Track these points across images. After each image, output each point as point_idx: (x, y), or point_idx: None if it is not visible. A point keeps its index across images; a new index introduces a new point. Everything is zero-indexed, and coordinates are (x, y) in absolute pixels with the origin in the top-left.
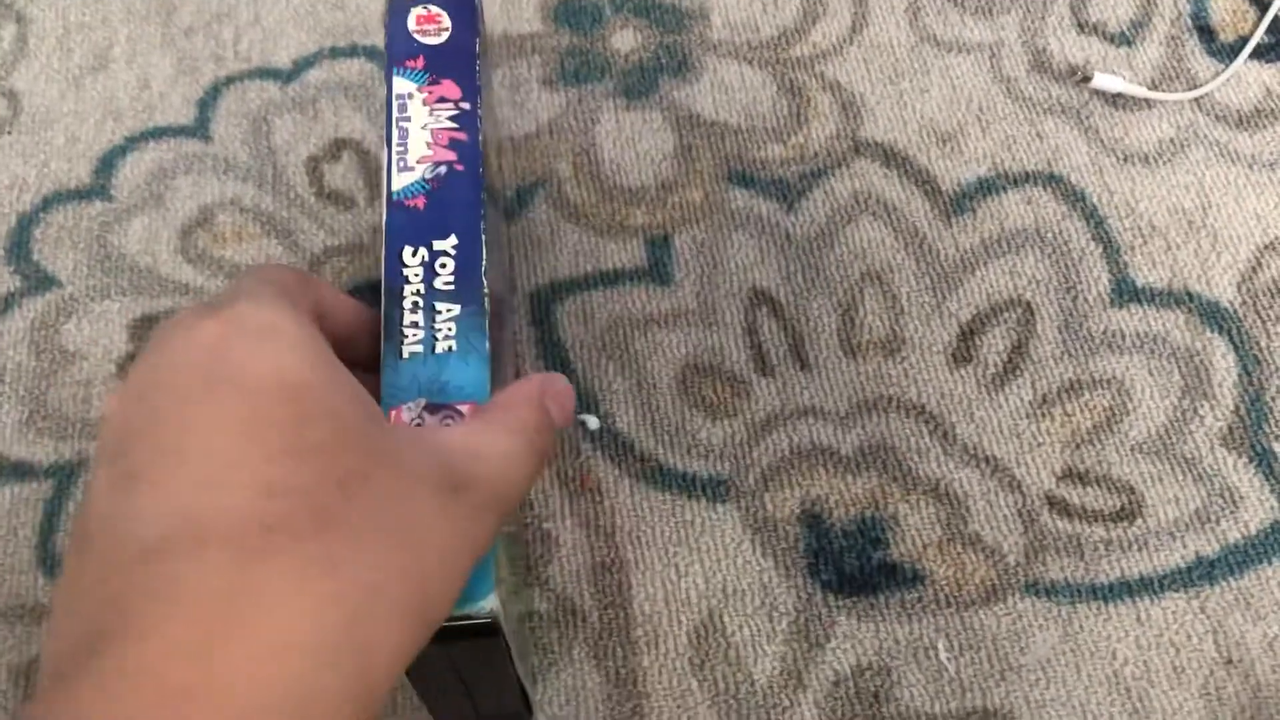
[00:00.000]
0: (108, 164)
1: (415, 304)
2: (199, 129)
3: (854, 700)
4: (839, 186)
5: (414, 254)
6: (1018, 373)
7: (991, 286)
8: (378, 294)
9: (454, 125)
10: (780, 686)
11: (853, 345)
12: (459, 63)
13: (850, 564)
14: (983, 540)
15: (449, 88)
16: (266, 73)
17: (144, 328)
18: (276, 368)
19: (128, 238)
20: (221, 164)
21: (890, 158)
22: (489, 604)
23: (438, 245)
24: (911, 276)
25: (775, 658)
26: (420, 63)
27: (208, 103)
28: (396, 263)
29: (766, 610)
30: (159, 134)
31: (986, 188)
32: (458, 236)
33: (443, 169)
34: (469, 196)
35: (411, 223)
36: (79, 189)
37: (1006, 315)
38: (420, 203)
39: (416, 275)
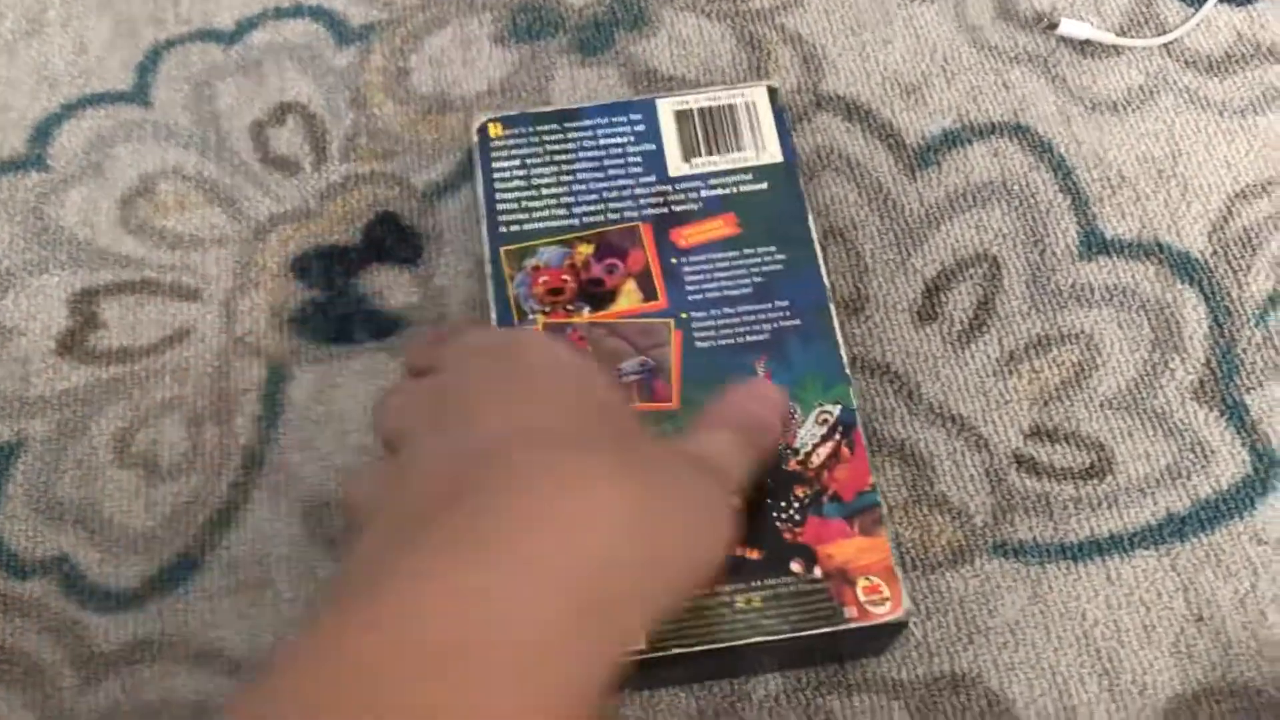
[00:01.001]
0: (43, 133)
1: None
2: (138, 94)
3: (820, 667)
4: (800, 142)
5: None
6: (984, 329)
7: (957, 241)
8: (325, 261)
9: None
10: None
11: None
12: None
13: None
14: (949, 501)
15: None
16: (208, 35)
17: (84, 302)
18: (555, 354)
19: (65, 209)
20: (162, 130)
21: (853, 111)
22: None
23: None
24: (875, 233)
25: None
26: None
27: (147, 67)
28: None
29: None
30: (97, 100)
31: (951, 140)
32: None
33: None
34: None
35: None
36: (14, 159)
37: (972, 271)
38: None
39: None
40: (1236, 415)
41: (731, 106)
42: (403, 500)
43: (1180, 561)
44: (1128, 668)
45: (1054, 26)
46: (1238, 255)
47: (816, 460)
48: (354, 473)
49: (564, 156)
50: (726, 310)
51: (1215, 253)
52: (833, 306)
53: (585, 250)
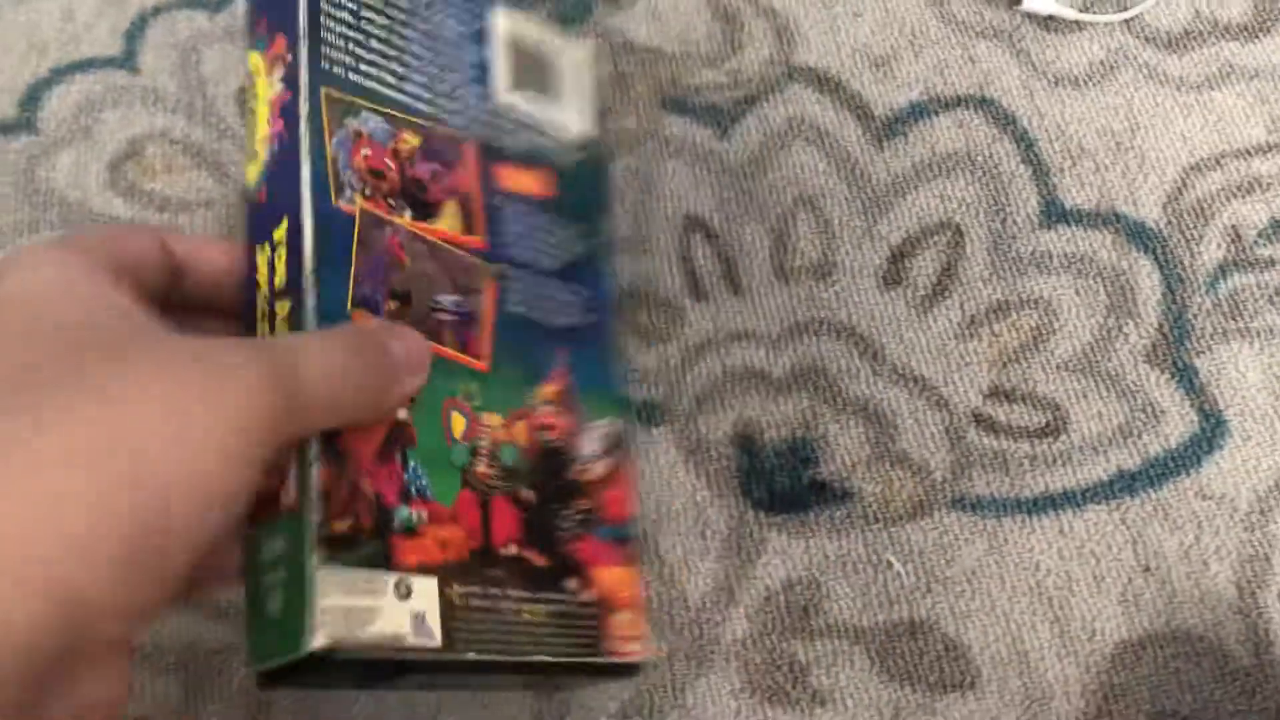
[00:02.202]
0: (33, 97)
1: (264, 312)
2: (126, 60)
3: (784, 613)
4: (772, 112)
5: (261, 254)
6: (947, 294)
7: (922, 210)
8: None
9: (282, 86)
10: (713, 602)
11: (785, 270)
12: (286, 10)
13: (781, 483)
14: (910, 458)
15: (280, 42)
16: (194, 2)
17: None
18: (27, 285)
19: (56, 171)
20: (150, 96)
21: (823, 83)
22: (314, 640)
23: (276, 236)
24: (843, 201)
25: (708, 575)
26: (262, 25)
27: (135, 34)
28: (252, 271)
29: (699, 529)
30: (85, 66)
31: (918, 112)
32: (289, 219)
33: (276, 146)
34: (293, 169)
35: (256, 220)
36: (4, 123)
37: (936, 238)
38: (263, 194)
39: (265, 280)
40: (1186, 378)
41: (556, 60)
42: None
43: (1130, 516)
44: (1077, 615)
45: (1018, 2)
46: (1191, 225)
47: (594, 475)
48: None
49: (398, 12)
50: (539, 279)
51: (1170, 223)
52: (615, 320)
53: (412, 141)
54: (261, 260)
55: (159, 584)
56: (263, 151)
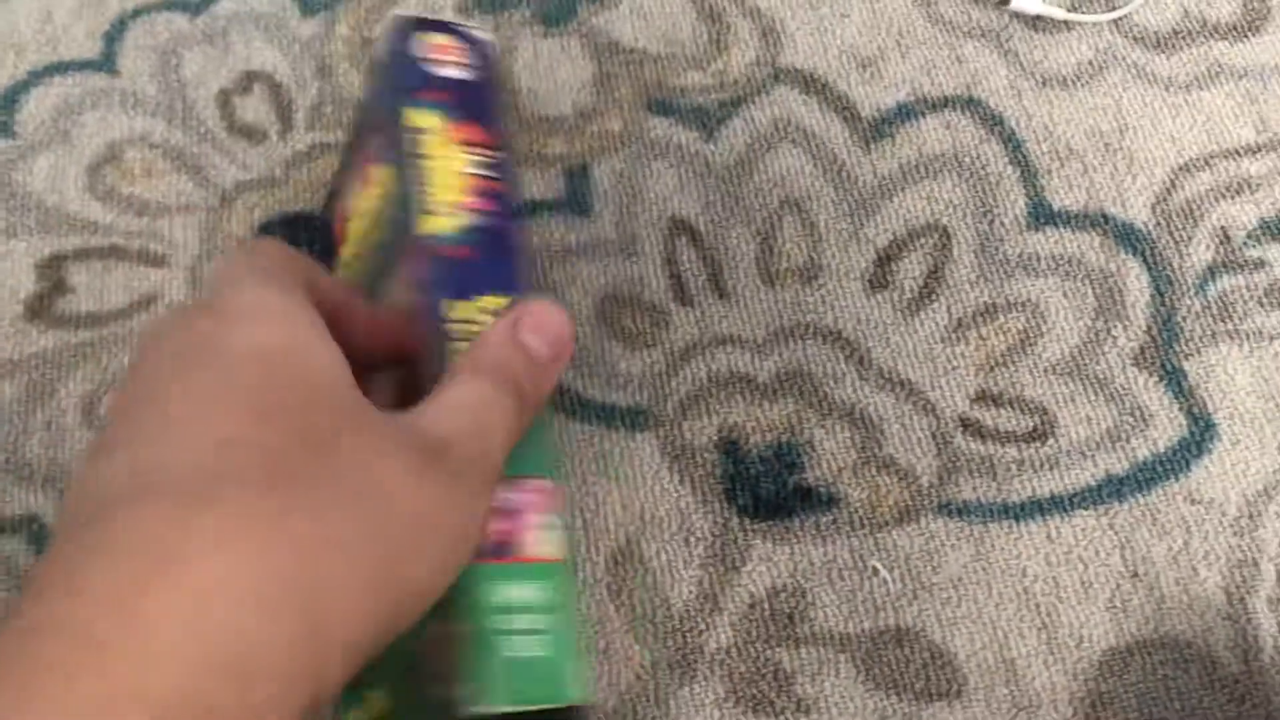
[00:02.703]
0: (10, 100)
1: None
2: (105, 63)
3: (769, 621)
4: (758, 114)
5: (464, 308)
6: (933, 297)
7: (909, 212)
8: (290, 228)
9: (490, 174)
10: (696, 610)
11: (771, 273)
12: (484, 106)
13: (766, 489)
14: (897, 463)
15: (475, 131)
16: (174, 4)
17: (52, 267)
18: (252, 339)
19: (33, 175)
20: (129, 99)
21: (810, 84)
22: (575, 693)
23: (487, 302)
24: (830, 203)
25: (692, 582)
26: (443, 97)
27: (114, 36)
28: (435, 313)
29: (684, 536)
30: (64, 68)
31: (905, 113)
32: (506, 293)
33: (485, 223)
34: (515, 253)
35: (453, 273)
36: None
37: (923, 240)
38: (463, 253)
39: (467, 331)
40: (1175, 381)
41: None
42: (42, 560)
43: (1118, 521)
44: (1065, 622)
45: (1006, 2)
46: (1180, 227)
47: None
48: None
49: None
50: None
51: (1158, 224)
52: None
53: None
54: (464, 312)
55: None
56: (458, 216)
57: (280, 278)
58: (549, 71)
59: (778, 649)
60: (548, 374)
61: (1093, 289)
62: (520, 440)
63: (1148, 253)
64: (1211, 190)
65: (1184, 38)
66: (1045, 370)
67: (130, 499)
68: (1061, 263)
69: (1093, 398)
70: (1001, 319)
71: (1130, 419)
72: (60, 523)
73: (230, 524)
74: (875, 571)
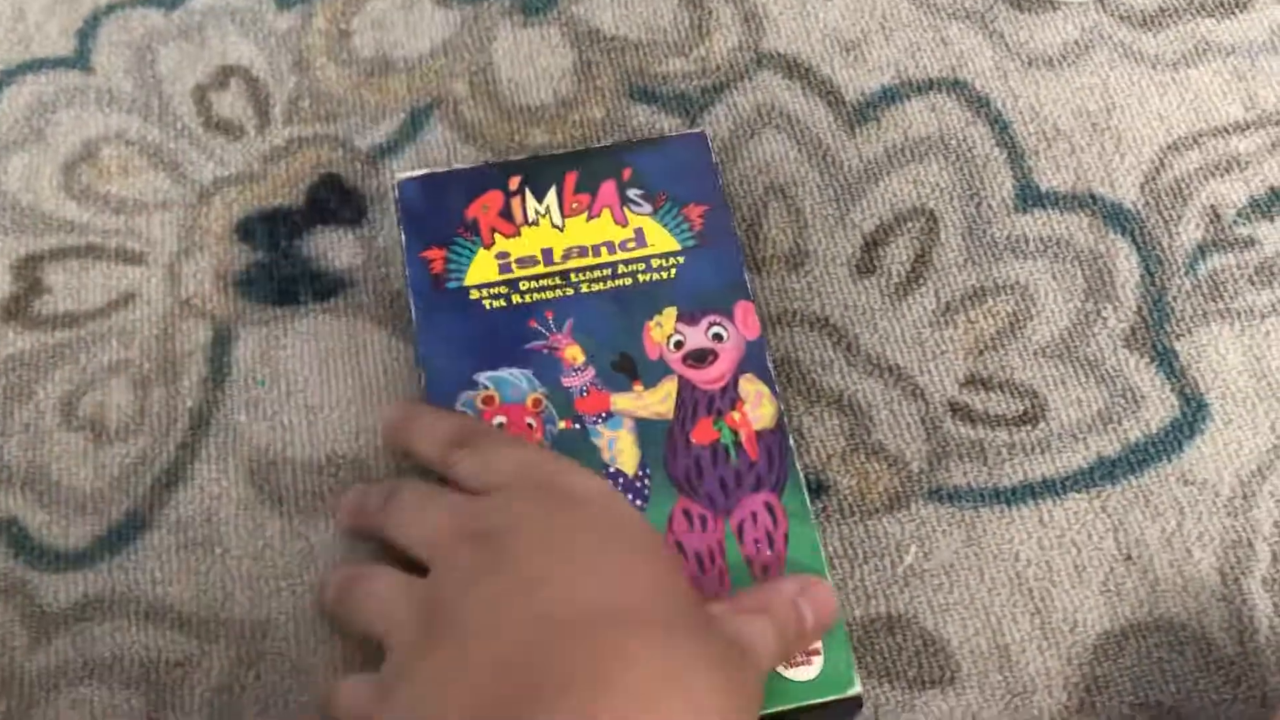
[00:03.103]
0: None
1: None
2: (79, 60)
3: None
4: (741, 100)
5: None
6: (921, 282)
7: (895, 196)
8: (269, 223)
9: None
10: None
11: (756, 260)
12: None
13: None
14: (886, 449)
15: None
16: None
17: (28, 267)
18: (628, 513)
19: (8, 175)
20: (104, 96)
21: (793, 69)
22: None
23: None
24: (815, 189)
25: None
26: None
27: (88, 32)
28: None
29: None
30: (37, 66)
31: (890, 96)
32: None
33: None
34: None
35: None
36: None
37: (910, 225)
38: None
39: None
40: (1166, 361)
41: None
42: (458, 690)
43: (1110, 503)
44: (1059, 606)
45: None
46: (1169, 206)
47: None
48: (348, 685)
49: None
50: None
51: (1147, 203)
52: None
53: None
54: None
55: None
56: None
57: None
58: (529, 60)
59: None
60: (805, 642)
61: (1082, 270)
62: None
63: (1137, 233)
64: (1200, 169)
65: (1171, 15)
66: (1035, 353)
67: (623, 623)
68: (1050, 244)
69: (1083, 380)
70: (990, 302)
71: (1121, 400)
72: (482, 636)
73: (703, 658)
74: (908, 550)
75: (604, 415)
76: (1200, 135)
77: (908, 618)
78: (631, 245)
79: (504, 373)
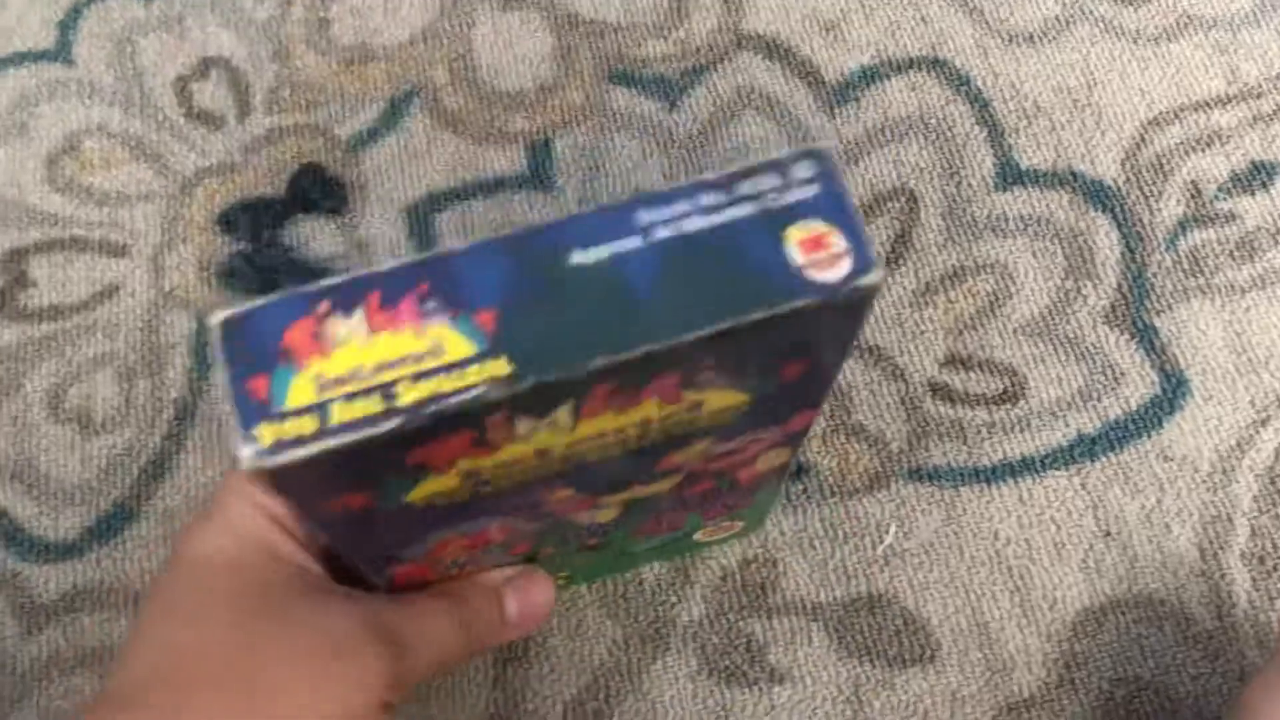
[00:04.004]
0: None
1: None
2: (60, 53)
3: (741, 593)
4: (721, 82)
5: None
6: (901, 262)
7: (875, 176)
8: (251, 213)
9: None
10: (668, 584)
11: None
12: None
13: None
14: (866, 430)
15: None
16: None
17: (13, 261)
18: (211, 546)
19: None
20: (86, 88)
21: (773, 50)
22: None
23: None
24: None
25: None
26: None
27: (68, 25)
28: None
29: None
30: (19, 60)
31: (870, 76)
32: None
33: None
34: None
35: None
36: None
37: (890, 205)
38: None
39: None
40: (1146, 338)
41: None
42: None
43: (1090, 480)
44: (1038, 583)
45: None
46: (1150, 182)
47: None
48: None
49: None
50: None
51: (1128, 180)
52: None
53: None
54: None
55: None
56: None
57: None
58: (509, 46)
59: (750, 620)
60: (503, 637)
61: (1062, 248)
62: None
63: (1117, 209)
64: (1181, 144)
65: None
66: (1015, 331)
67: (104, 709)
68: (1030, 222)
69: (1063, 358)
70: (970, 281)
71: (1101, 378)
72: None
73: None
74: (888, 529)
75: (589, 509)
76: (1181, 110)
77: (888, 597)
78: None
79: None
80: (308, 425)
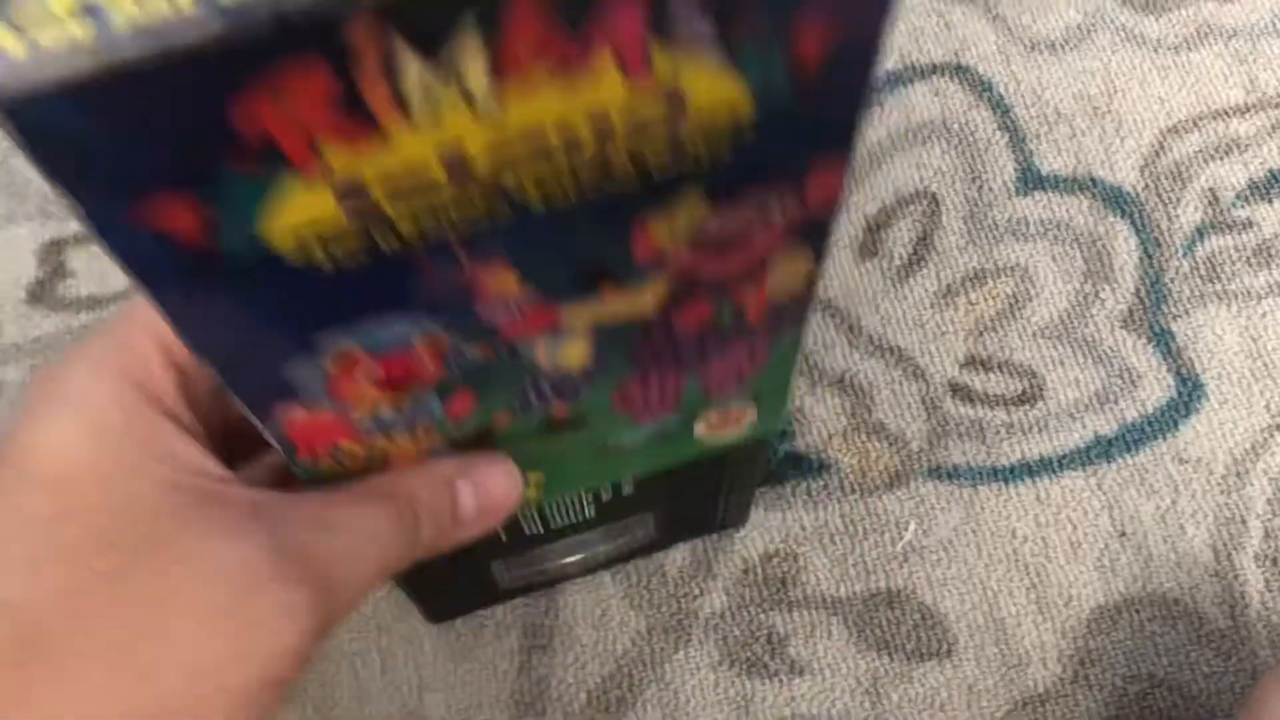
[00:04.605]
0: None
1: None
2: None
3: (762, 585)
4: None
5: None
6: (923, 264)
7: (898, 180)
8: None
9: None
10: (690, 576)
11: None
12: None
13: None
14: (887, 428)
15: None
16: None
17: (52, 252)
18: (54, 448)
19: None
20: None
21: None
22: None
23: None
24: None
25: (685, 549)
26: None
27: None
28: None
29: None
30: None
31: (894, 81)
32: None
33: None
34: None
35: None
36: None
37: (912, 208)
38: None
39: None
40: (1163, 342)
41: None
42: None
43: (1106, 481)
44: (1054, 581)
45: None
46: (1168, 188)
47: None
48: None
49: None
50: None
51: (1147, 186)
52: None
53: None
54: None
55: None
56: None
57: (124, 351)
58: None
59: (771, 612)
60: (458, 536)
61: (1081, 252)
62: None
63: (1136, 215)
64: (1200, 151)
65: None
66: (1034, 334)
67: None
68: (1050, 227)
69: (1081, 360)
70: (990, 284)
71: (1119, 380)
72: None
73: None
74: (907, 526)
75: (548, 330)
76: (1200, 118)
77: (907, 592)
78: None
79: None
80: (78, 31)
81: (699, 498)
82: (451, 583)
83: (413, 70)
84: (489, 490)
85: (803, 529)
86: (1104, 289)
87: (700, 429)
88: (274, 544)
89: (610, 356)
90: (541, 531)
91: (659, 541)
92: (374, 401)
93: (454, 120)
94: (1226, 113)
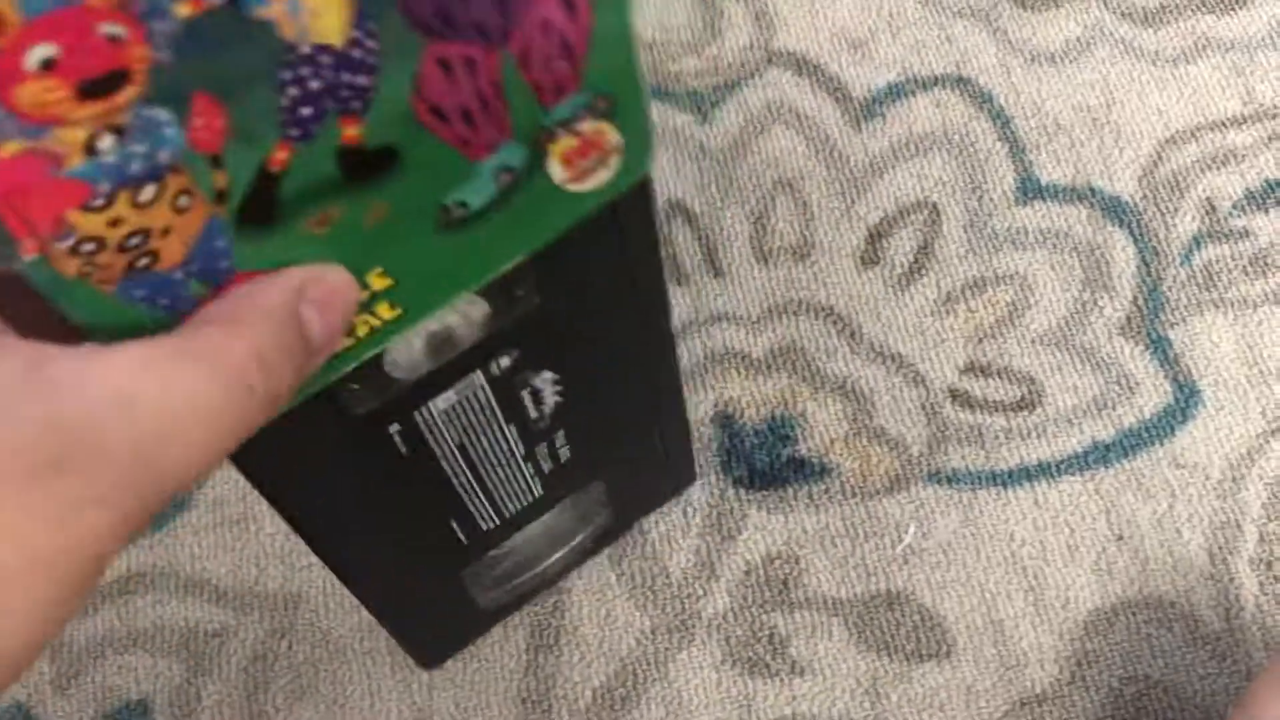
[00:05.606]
0: None
1: None
2: None
3: (764, 587)
4: (752, 97)
5: None
6: (923, 272)
7: (899, 190)
8: None
9: None
10: (694, 577)
11: (764, 252)
12: None
13: (761, 460)
14: (887, 433)
15: None
16: None
17: None
18: None
19: None
20: None
21: (802, 66)
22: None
23: None
24: (822, 183)
25: (689, 551)
26: None
27: None
28: None
29: (681, 507)
30: None
31: (896, 92)
32: None
33: None
34: None
35: None
36: None
37: (913, 217)
38: None
39: None
40: (1160, 349)
41: None
42: None
43: (1103, 486)
44: (1052, 584)
45: None
46: (1166, 198)
47: None
48: None
49: None
50: None
51: (1145, 196)
52: None
53: None
54: None
55: None
56: None
57: None
58: None
59: (773, 613)
60: (312, 364)
61: (1080, 261)
62: None
63: (1134, 224)
64: (1198, 162)
65: (1171, 12)
66: (1033, 341)
67: None
68: (1049, 236)
69: (1079, 367)
70: (990, 292)
71: (1116, 387)
72: None
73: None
74: (907, 529)
75: None
76: (1198, 129)
77: (906, 594)
78: None
79: None
80: None
81: (636, 428)
82: (431, 613)
83: None
84: (332, 299)
85: (804, 531)
86: (1102, 297)
87: (560, 172)
88: (51, 418)
89: (380, 21)
90: (496, 522)
91: (621, 518)
92: (76, 120)
93: None
94: (1224, 124)
